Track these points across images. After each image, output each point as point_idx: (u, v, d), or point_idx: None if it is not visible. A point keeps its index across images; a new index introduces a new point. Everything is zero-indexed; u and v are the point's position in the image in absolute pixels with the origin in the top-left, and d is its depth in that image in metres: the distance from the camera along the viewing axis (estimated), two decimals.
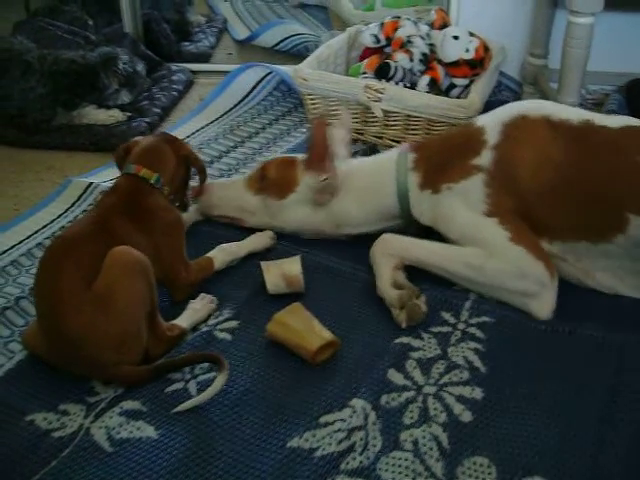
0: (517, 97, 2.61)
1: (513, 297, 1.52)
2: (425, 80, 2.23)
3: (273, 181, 1.71)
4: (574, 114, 1.58)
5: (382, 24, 2.36)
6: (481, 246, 1.53)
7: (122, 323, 1.32)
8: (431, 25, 2.37)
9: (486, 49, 2.25)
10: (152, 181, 1.52)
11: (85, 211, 1.91)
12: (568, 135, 1.53)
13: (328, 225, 1.72)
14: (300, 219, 1.72)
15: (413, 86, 2.24)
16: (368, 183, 1.69)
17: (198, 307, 1.51)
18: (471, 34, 2.23)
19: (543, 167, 1.51)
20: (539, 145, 1.53)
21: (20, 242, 1.82)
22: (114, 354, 1.32)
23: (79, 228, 1.46)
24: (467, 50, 2.20)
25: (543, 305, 1.50)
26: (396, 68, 2.21)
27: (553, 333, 1.46)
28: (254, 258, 1.67)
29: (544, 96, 2.40)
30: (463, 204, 1.56)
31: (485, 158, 1.55)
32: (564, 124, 1.54)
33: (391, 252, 1.57)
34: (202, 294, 1.55)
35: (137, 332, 1.35)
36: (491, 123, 1.60)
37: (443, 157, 1.63)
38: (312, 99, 2.26)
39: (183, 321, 1.48)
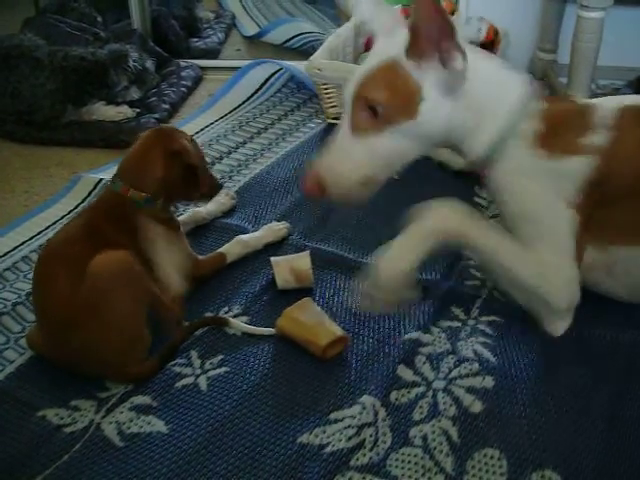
0: None
1: (539, 307, 1.41)
2: None
3: (391, 107, 1.31)
4: None
5: None
6: (536, 236, 1.36)
7: (121, 332, 1.32)
8: None
9: (496, 32, 2.29)
10: (142, 204, 1.44)
11: None
12: None
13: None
14: (442, 123, 1.35)
15: None
16: (485, 94, 1.36)
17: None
18: (480, 18, 2.30)
19: None
20: None
21: (30, 238, 1.82)
22: (119, 358, 1.34)
23: (69, 234, 1.43)
24: (479, 30, 2.27)
25: (561, 325, 1.41)
26: None
27: (561, 335, 1.42)
28: (265, 253, 1.67)
29: (553, 91, 2.39)
30: (550, 183, 1.35)
31: (600, 138, 1.34)
32: None
33: (448, 229, 1.35)
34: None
35: (138, 334, 1.36)
36: (606, 106, 1.38)
37: (564, 122, 1.38)
38: (326, 89, 2.27)
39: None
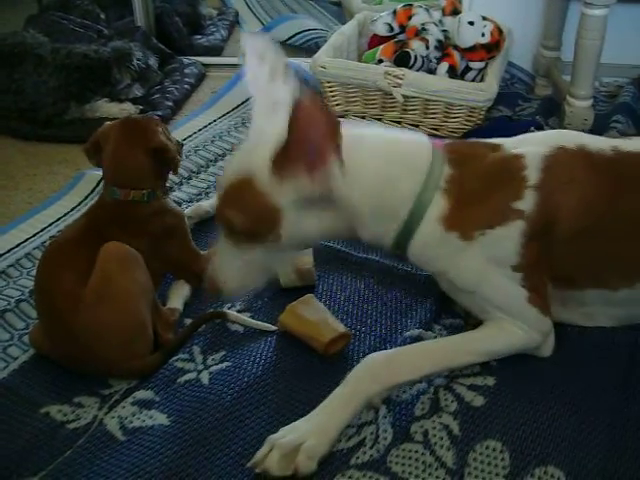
0: (530, 89, 2.60)
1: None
2: (444, 67, 2.26)
3: (247, 231, 1.22)
4: (604, 144, 1.34)
5: (394, 12, 2.37)
6: (494, 308, 1.31)
7: (126, 317, 1.33)
8: (442, 11, 2.39)
9: (500, 31, 2.29)
10: (145, 200, 1.47)
11: None
12: (605, 171, 1.31)
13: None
14: (316, 233, 1.27)
15: (430, 73, 2.27)
16: (379, 185, 1.24)
17: (181, 285, 1.55)
18: (484, 18, 2.28)
19: (584, 213, 1.29)
20: (581, 187, 1.29)
21: (34, 235, 1.83)
22: (124, 350, 1.34)
23: (72, 234, 1.45)
24: (483, 34, 2.26)
25: (547, 349, 1.37)
26: (415, 57, 2.23)
27: (564, 333, 1.42)
28: None
29: (557, 88, 2.39)
30: (490, 255, 1.27)
31: (528, 202, 1.26)
32: (600, 158, 1.31)
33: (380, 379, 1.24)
34: None
35: (143, 324, 1.37)
36: (530, 154, 1.30)
37: (479, 188, 1.27)
38: (330, 87, 2.29)
39: (176, 303, 1.50)
